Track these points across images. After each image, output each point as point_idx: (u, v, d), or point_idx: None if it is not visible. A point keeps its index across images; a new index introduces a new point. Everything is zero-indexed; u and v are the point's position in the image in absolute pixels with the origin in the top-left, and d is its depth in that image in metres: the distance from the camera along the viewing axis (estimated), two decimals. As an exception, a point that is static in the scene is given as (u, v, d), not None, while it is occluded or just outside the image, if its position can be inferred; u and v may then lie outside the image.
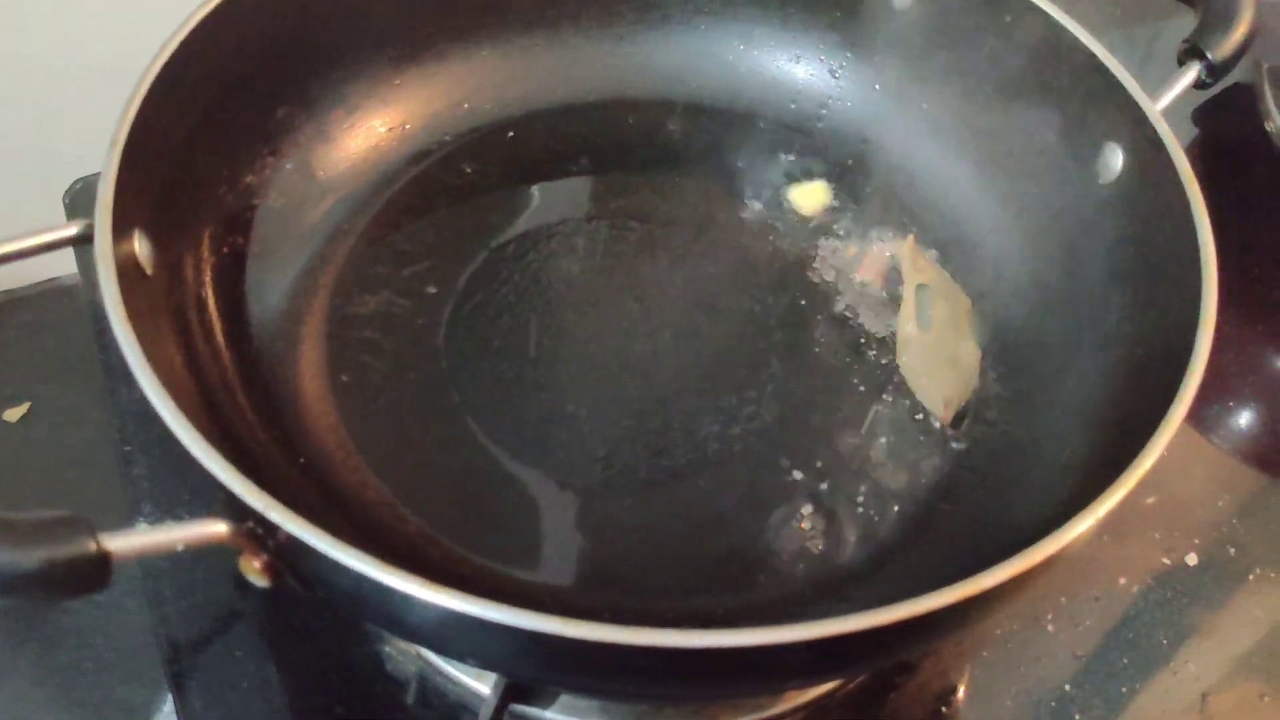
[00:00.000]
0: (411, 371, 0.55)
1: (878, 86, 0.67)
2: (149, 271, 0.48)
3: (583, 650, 0.36)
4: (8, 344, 0.69)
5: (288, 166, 0.59)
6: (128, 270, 0.45)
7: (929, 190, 0.65)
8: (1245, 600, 0.58)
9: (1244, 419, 0.67)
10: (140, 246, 0.47)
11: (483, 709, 0.48)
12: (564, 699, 0.50)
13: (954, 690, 0.54)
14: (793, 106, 0.68)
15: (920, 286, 0.61)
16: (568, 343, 0.57)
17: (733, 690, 0.44)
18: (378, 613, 0.40)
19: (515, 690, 0.47)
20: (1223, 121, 0.84)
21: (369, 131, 0.62)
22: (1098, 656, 0.55)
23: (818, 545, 0.52)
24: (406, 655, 0.52)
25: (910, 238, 0.63)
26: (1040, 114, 0.60)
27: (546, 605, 0.47)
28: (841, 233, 0.63)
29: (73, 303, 0.72)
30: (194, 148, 0.53)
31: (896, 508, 0.53)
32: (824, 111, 0.68)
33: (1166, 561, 0.59)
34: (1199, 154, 0.82)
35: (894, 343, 0.59)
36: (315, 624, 0.52)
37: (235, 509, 0.38)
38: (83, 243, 0.46)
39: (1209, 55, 0.57)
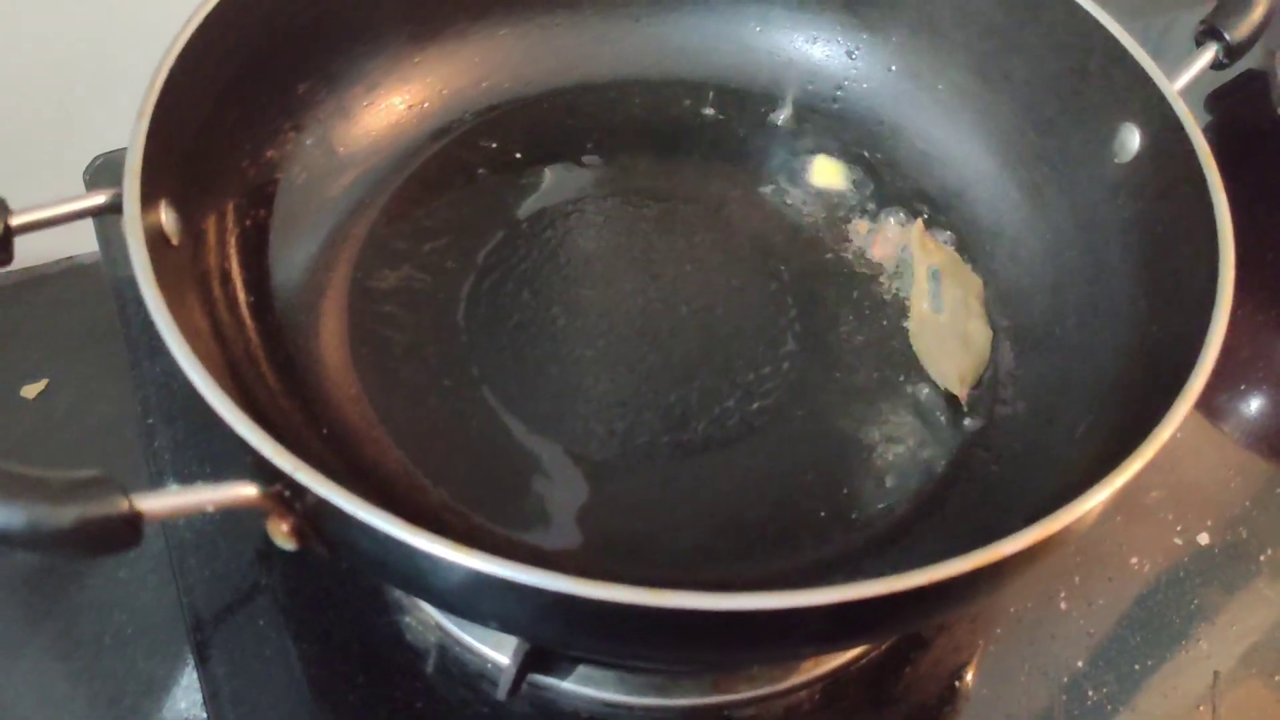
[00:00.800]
0: (431, 345, 0.56)
1: (894, 68, 0.67)
2: (175, 242, 0.48)
3: (606, 612, 0.37)
4: (25, 320, 0.69)
5: (309, 142, 0.59)
6: (154, 240, 0.45)
7: (944, 170, 0.65)
8: (1257, 580, 0.59)
9: (1255, 404, 0.67)
10: (166, 217, 0.48)
11: (502, 678, 0.49)
12: (582, 670, 0.50)
13: (967, 667, 0.55)
14: (809, 87, 0.68)
15: (931, 268, 0.61)
16: (585, 318, 0.58)
17: (751, 655, 0.45)
18: (403, 576, 0.40)
19: (534, 659, 0.48)
20: (1235, 108, 0.85)
21: (389, 108, 0.63)
22: (1110, 634, 0.56)
23: (833, 520, 0.52)
24: (426, 625, 0.52)
25: (919, 221, 0.63)
26: (1056, 94, 0.61)
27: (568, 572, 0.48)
28: (857, 212, 0.64)
29: (91, 281, 0.72)
30: (218, 121, 0.53)
31: (912, 484, 0.53)
32: (840, 92, 0.68)
33: (1178, 542, 0.60)
34: (1211, 140, 0.82)
35: (908, 323, 0.59)
36: (336, 594, 0.53)
37: (264, 471, 0.38)
38: (109, 212, 0.46)
39: (1226, 36, 0.57)
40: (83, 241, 0.67)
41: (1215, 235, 0.49)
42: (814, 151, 0.66)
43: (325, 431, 0.51)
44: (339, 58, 0.61)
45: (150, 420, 0.58)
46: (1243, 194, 0.56)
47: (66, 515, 0.35)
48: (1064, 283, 0.59)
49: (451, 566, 0.36)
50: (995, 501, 0.52)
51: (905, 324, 0.59)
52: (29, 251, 0.54)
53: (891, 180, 0.65)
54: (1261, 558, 0.60)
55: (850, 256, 0.62)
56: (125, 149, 0.66)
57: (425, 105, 0.64)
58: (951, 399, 0.56)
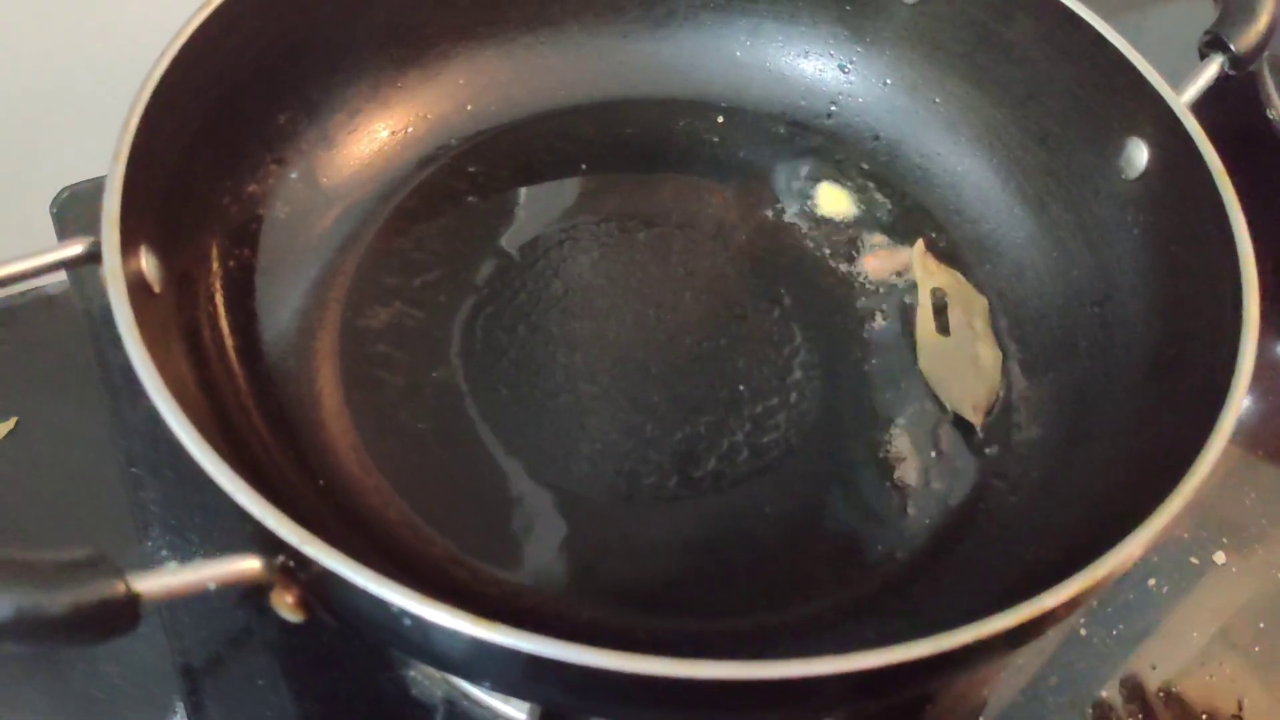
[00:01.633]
0: (428, 386, 0.53)
1: (889, 81, 0.66)
2: (157, 289, 0.46)
3: (634, 683, 0.35)
4: (-10, 357, 0.67)
5: (292, 175, 0.57)
6: (136, 289, 0.43)
7: (944, 187, 0.64)
8: (1278, 599, 0.58)
9: (1261, 414, 0.66)
10: (147, 263, 0.45)
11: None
12: (598, 722, 0.49)
13: (986, 699, 0.53)
14: (802, 103, 0.67)
15: (934, 290, 0.60)
16: (585, 351, 0.56)
17: (779, 715, 0.43)
18: (419, 648, 0.38)
19: (551, 716, 0.46)
20: (1224, 111, 0.84)
21: (372, 136, 0.60)
22: (1133, 660, 0.55)
23: (850, 559, 0.50)
24: (433, 680, 0.50)
25: (920, 242, 0.61)
26: (1058, 108, 0.59)
27: (583, 627, 0.46)
28: (857, 232, 0.62)
29: (61, 313, 0.69)
30: (196, 157, 0.51)
31: (929, 518, 0.52)
32: (834, 108, 0.66)
33: (1195, 561, 0.59)
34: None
35: (916, 348, 0.58)
36: (339, 650, 0.51)
37: (267, 543, 0.36)
38: (87, 262, 0.44)
39: (1232, 47, 0.56)
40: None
41: (1235, 255, 0.48)
42: (810, 169, 0.64)
43: (322, 483, 0.49)
44: (318, 85, 0.58)
45: (135, 470, 0.56)
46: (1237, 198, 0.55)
47: (58, 602, 0.33)
48: (1073, 302, 0.57)
49: (474, 641, 0.34)
50: (1015, 534, 0.50)
51: (912, 349, 0.58)
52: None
53: (890, 199, 0.63)
54: (1279, 575, 0.59)
55: (852, 279, 0.60)
56: (91, 180, 0.64)
57: (410, 131, 0.62)
58: (965, 426, 0.55)
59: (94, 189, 0.62)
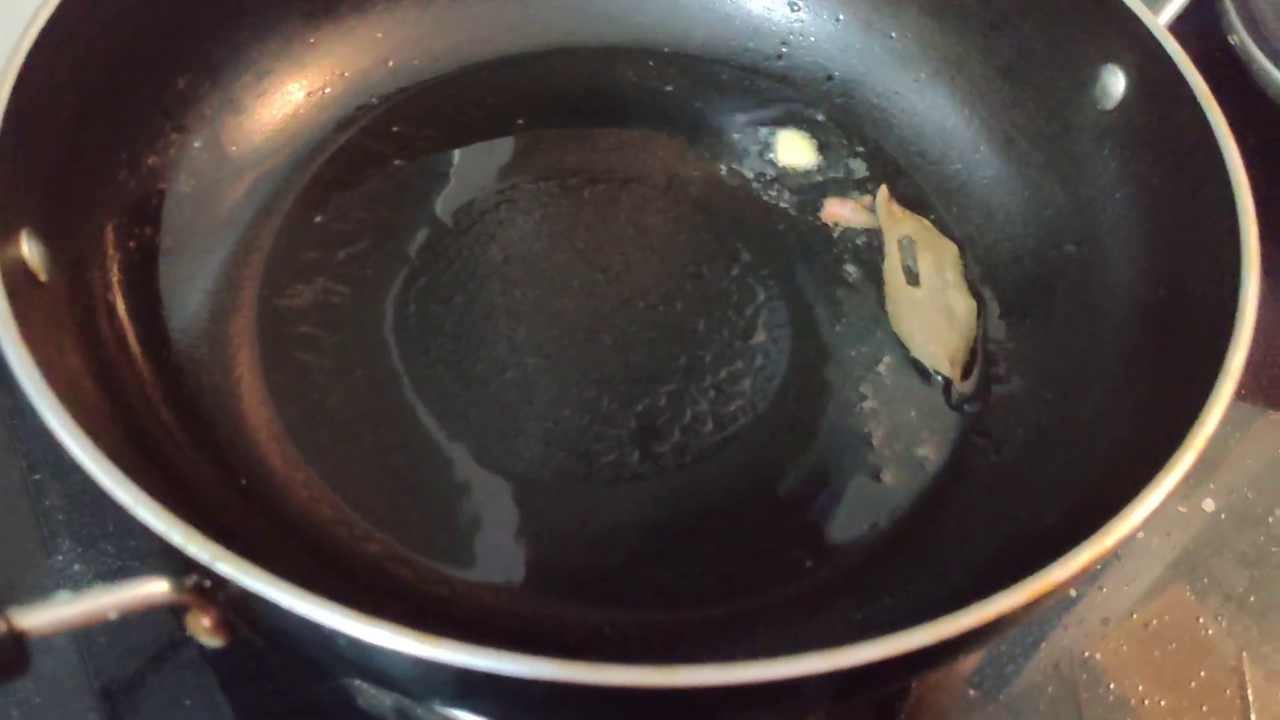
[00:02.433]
0: (359, 368, 0.49)
1: (841, 17, 0.61)
2: (43, 278, 0.41)
3: (601, 694, 0.31)
4: None
5: (195, 144, 0.52)
6: (16, 280, 0.38)
7: (905, 129, 0.60)
8: (1272, 545, 0.55)
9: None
10: (29, 250, 0.41)
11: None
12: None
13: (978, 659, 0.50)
14: (750, 45, 0.62)
15: (902, 238, 0.56)
16: (530, 322, 0.51)
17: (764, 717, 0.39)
18: (360, 669, 0.34)
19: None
20: (1182, 39, 0.81)
21: (284, 98, 0.55)
22: (1126, 618, 0.52)
23: (829, 532, 0.47)
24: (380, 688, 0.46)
25: (883, 188, 0.57)
26: (1023, 38, 0.56)
27: (542, 627, 0.42)
28: (815, 179, 0.58)
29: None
30: (84, 128, 0.46)
31: (910, 481, 0.48)
32: (785, 49, 0.62)
33: (1183, 510, 0.56)
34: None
35: (885, 301, 0.54)
36: (272, 662, 0.46)
37: (177, 561, 0.31)
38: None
39: (1205, -37, 0.53)
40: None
41: (1229, 183, 0.44)
42: (764, 115, 0.60)
43: (244, 483, 0.44)
44: (221, 44, 0.53)
45: (37, 476, 0.51)
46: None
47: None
48: (1048, 244, 0.54)
49: (417, 660, 0.30)
50: (1004, 496, 0.47)
51: (881, 303, 0.54)
52: None
53: (849, 143, 0.59)
54: (1270, 520, 0.56)
55: (814, 231, 0.56)
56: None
57: (326, 91, 0.57)
58: (942, 382, 0.51)
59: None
